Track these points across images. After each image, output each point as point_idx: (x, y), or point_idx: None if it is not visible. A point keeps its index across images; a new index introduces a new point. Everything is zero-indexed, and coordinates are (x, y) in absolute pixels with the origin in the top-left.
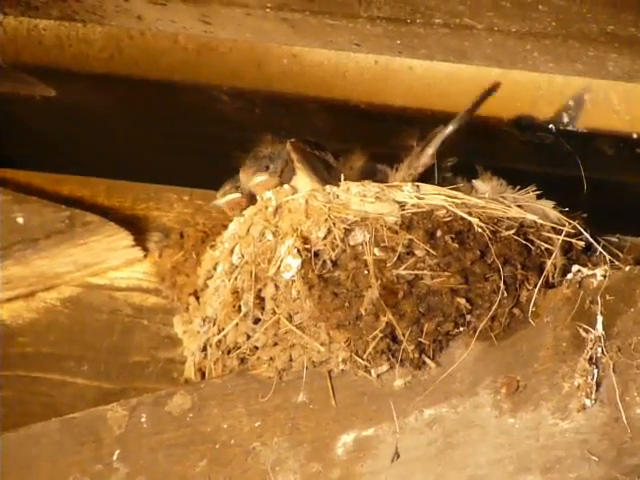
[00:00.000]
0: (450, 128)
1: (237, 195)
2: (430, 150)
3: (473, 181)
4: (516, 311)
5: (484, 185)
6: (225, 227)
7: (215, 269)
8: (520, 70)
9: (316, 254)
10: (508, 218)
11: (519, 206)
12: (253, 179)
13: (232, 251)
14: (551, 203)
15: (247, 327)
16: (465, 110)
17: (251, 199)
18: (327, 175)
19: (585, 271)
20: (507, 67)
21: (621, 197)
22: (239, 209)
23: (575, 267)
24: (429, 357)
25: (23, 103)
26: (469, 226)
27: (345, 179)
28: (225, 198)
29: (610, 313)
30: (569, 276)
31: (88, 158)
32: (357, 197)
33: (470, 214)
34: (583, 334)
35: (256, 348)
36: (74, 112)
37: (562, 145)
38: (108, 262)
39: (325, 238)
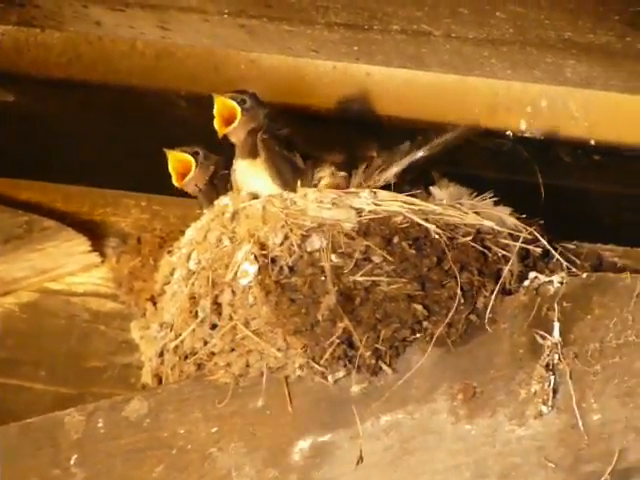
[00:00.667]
0: (419, 154)
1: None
2: (395, 170)
3: (430, 188)
4: (473, 317)
5: (441, 191)
6: (182, 233)
7: (172, 275)
8: (478, 77)
9: (273, 260)
10: (465, 225)
11: (476, 213)
12: None
13: (189, 257)
14: (508, 210)
15: (204, 333)
16: (440, 140)
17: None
18: (291, 177)
19: (542, 278)
20: (465, 73)
21: (579, 204)
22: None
23: (532, 274)
24: (386, 363)
25: None
26: (426, 232)
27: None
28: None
29: (567, 320)
30: (526, 283)
31: (46, 163)
32: (314, 203)
33: (427, 220)
34: (540, 341)
35: (213, 354)
36: (32, 117)
37: (520, 152)
38: (66, 267)
39: (282, 244)
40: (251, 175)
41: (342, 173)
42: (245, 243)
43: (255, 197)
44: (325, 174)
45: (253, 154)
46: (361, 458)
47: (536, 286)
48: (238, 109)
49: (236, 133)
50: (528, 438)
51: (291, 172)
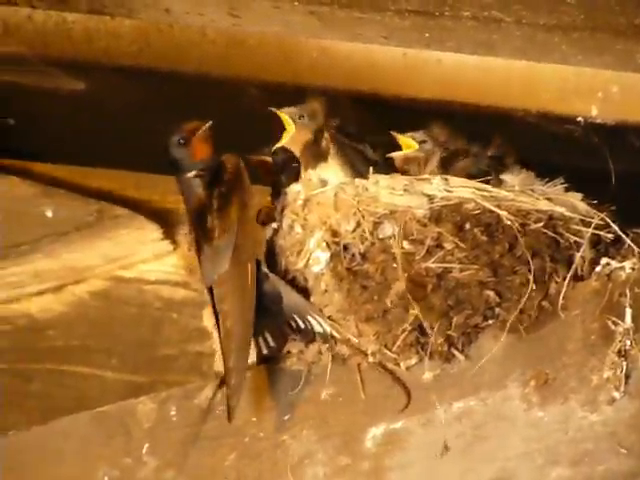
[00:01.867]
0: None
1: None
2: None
3: (502, 174)
4: (545, 304)
5: (513, 178)
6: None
7: None
8: (548, 63)
9: (345, 247)
10: (537, 211)
11: (548, 199)
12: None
13: None
14: (579, 195)
15: None
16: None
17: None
18: (364, 169)
19: (614, 264)
20: (535, 60)
21: None
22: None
23: (604, 260)
24: (458, 350)
25: (52, 97)
26: (498, 219)
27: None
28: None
29: (639, 306)
30: (598, 269)
31: (117, 151)
32: (386, 190)
33: (499, 207)
34: (612, 327)
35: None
36: (102, 105)
37: (591, 138)
38: (137, 255)
39: (354, 231)
40: (324, 174)
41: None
42: (317, 230)
43: (326, 184)
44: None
45: (322, 158)
46: (446, 447)
47: (608, 272)
48: (291, 123)
49: (292, 144)
50: (600, 424)
51: (362, 163)
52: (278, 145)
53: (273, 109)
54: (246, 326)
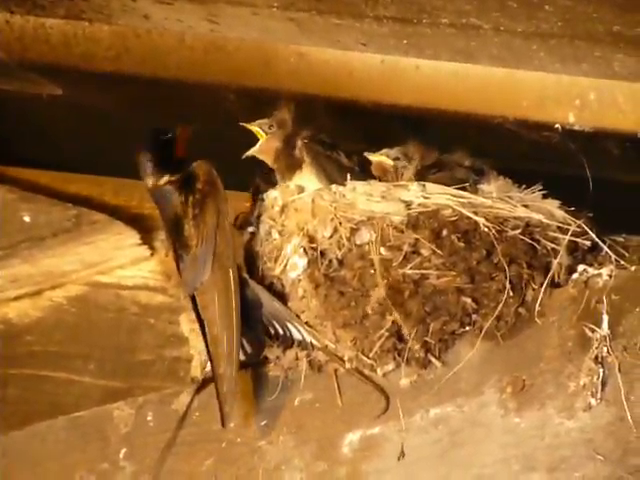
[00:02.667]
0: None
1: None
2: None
3: (479, 181)
4: (522, 310)
5: (490, 184)
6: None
7: None
8: (526, 70)
9: (322, 253)
10: (514, 217)
11: (525, 205)
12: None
13: None
14: (557, 202)
15: None
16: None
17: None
18: (339, 177)
19: (591, 271)
20: (513, 67)
21: (627, 197)
22: (273, 154)
23: (581, 267)
24: (435, 356)
25: (30, 102)
26: (475, 225)
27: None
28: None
29: (616, 313)
30: (575, 276)
31: (95, 157)
32: (363, 196)
33: (476, 213)
34: (589, 333)
35: None
36: (81, 111)
37: (568, 145)
38: (115, 261)
39: (331, 237)
40: (300, 183)
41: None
42: (294, 236)
43: (303, 191)
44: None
45: (297, 167)
46: (402, 453)
47: (585, 279)
48: (262, 134)
49: (262, 153)
50: (577, 431)
51: (337, 171)
52: (248, 154)
53: (243, 124)
54: (232, 332)
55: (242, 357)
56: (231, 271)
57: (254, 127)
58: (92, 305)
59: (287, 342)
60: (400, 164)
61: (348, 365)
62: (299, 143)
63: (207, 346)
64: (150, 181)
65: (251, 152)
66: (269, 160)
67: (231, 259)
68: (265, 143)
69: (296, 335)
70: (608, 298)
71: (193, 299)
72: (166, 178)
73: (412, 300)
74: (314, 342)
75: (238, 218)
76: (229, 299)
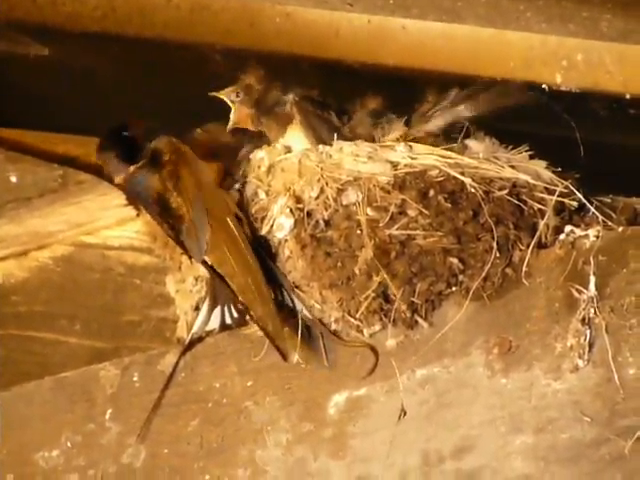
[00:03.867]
0: (466, 113)
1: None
2: (439, 122)
3: (466, 141)
4: (509, 271)
5: (477, 145)
6: None
7: None
8: (513, 30)
9: (309, 214)
10: (501, 178)
11: (512, 166)
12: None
13: None
14: (544, 163)
15: None
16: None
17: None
18: (329, 137)
19: (578, 231)
20: (500, 27)
21: (614, 158)
22: (249, 120)
23: (568, 227)
24: (421, 317)
25: (16, 62)
26: (462, 186)
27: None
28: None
29: (603, 274)
30: (562, 236)
31: (82, 117)
32: (350, 157)
33: (463, 174)
34: (576, 295)
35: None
36: (67, 71)
37: (555, 105)
38: (101, 221)
39: (318, 198)
40: (289, 142)
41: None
42: (281, 196)
43: (290, 151)
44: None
45: (285, 124)
46: (403, 412)
47: (572, 240)
48: (231, 104)
49: (239, 122)
50: (564, 392)
51: (327, 130)
52: (229, 127)
53: (213, 93)
54: (255, 273)
55: (228, 320)
56: (229, 219)
57: (223, 96)
58: (78, 265)
59: (278, 306)
60: (239, 98)
61: (334, 325)
62: (290, 100)
63: (235, 297)
64: (118, 177)
65: (229, 126)
66: (249, 126)
67: (224, 209)
68: (237, 113)
69: (287, 300)
70: (595, 259)
71: (205, 264)
72: (132, 168)
73: (399, 261)
74: (305, 311)
75: (225, 178)
76: (238, 246)
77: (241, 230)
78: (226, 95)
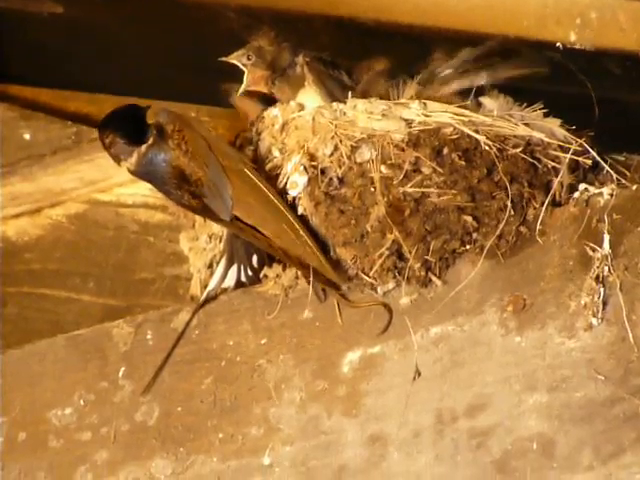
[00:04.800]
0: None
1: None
2: (455, 86)
3: (480, 98)
4: (523, 229)
5: (491, 103)
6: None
7: None
8: None
9: (323, 171)
10: (515, 136)
11: (526, 124)
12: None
13: None
14: (558, 121)
15: None
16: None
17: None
18: (342, 96)
19: (592, 190)
20: None
21: (628, 116)
22: (263, 82)
23: (582, 185)
24: (435, 275)
25: (30, 20)
26: (476, 144)
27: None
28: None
29: (617, 232)
30: (576, 195)
31: (95, 75)
32: (364, 114)
33: (477, 132)
34: (590, 253)
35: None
36: (81, 29)
37: (569, 64)
38: (114, 178)
39: (332, 155)
40: (302, 101)
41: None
42: (295, 154)
43: (304, 108)
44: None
45: (298, 84)
46: (418, 372)
47: (586, 198)
48: (242, 67)
49: (253, 85)
50: (578, 350)
51: (340, 90)
52: (240, 92)
53: (222, 59)
54: (286, 215)
55: (243, 278)
56: (247, 170)
57: (233, 61)
58: (91, 223)
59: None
60: (250, 61)
61: (348, 284)
62: (301, 61)
63: (271, 247)
64: (129, 160)
65: (241, 90)
66: (263, 89)
67: (240, 162)
68: (250, 76)
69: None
70: (609, 217)
71: (235, 219)
72: (143, 148)
73: (412, 218)
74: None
75: (238, 137)
76: (263, 193)
77: (262, 178)
78: (237, 59)
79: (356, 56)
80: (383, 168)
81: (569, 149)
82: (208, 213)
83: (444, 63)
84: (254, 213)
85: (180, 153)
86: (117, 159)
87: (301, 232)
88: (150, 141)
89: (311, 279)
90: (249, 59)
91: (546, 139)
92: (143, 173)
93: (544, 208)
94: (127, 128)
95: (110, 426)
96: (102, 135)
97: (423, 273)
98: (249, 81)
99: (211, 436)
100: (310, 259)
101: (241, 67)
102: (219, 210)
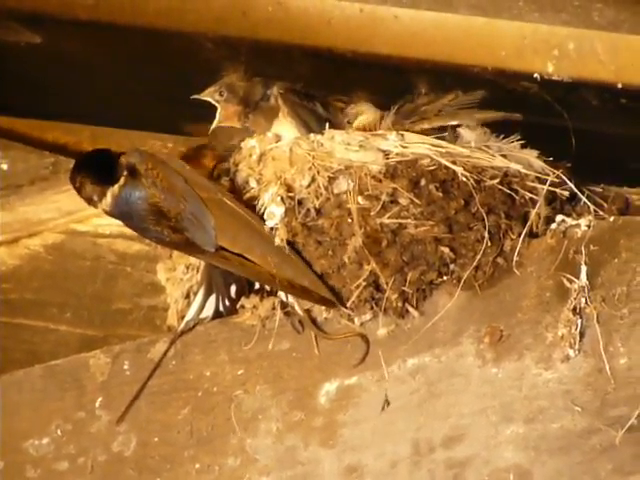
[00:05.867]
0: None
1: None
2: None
3: (458, 129)
4: (500, 261)
5: (469, 134)
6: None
7: None
8: (505, 19)
9: (300, 202)
10: (492, 167)
11: (503, 155)
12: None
13: None
14: (535, 152)
15: None
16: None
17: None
18: (316, 127)
19: (569, 221)
20: (492, 16)
21: (606, 147)
22: (236, 118)
23: (559, 217)
24: (412, 306)
25: (8, 50)
26: (453, 175)
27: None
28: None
29: (594, 263)
30: (553, 226)
31: (73, 105)
32: (341, 145)
33: (454, 163)
34: (567, 284)
35: None
36: (59, 59)
37: (546, 95)
38: (92, 209)
39: (309, 186)
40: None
41: (377, 111)
42: (272, 185)
43: (280, 139)
44: (362, 110)
45: (272, 116)
46: (387, 402)
47: (563, 229)
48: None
49: (226, 121)
50: (555, 382)
51: (315, 121)
52: (212, 127)
53: (195, 96)
54: (266, 239)
55: (221, 308)
56: (225, 199)
57: (206, 97)
58: (69, 253)
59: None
60: (224, 98)
61: (325, 314)
62: (275, 92)
63: (259, 273)
64: (103, 201)
65: (214, 125)
66: (236, 124)
67: (217, 191)
68: (223, 112)
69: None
70: (586, 249)
71: (220, 249)
72: (116, 187)
73: (390, 249)
74: (295, 306)
75: (215, 168)
76: (244, 219)
77: (241, 205)
78: (209, 95)
79: (334, 87)
80: (360, 199)
81: (546, 180)
82: (191, 247)
83: (427, 101)
84: (239, 241)
85: (156, 191)
86: (90, 201)
87: (288, 253)
88: (122, 181)
89: (290, 309)
90: (221, 95)
91: (523, 170)
92: (119, 213)
93: (521, 239)
94: (98, 171)
95: (87, 456)
96: (72, 181)
97: (400, 304)
98: (222, 117)
99: (188, 466)
100: (301, 279)
101: (214, 103)
102: (203, 242)
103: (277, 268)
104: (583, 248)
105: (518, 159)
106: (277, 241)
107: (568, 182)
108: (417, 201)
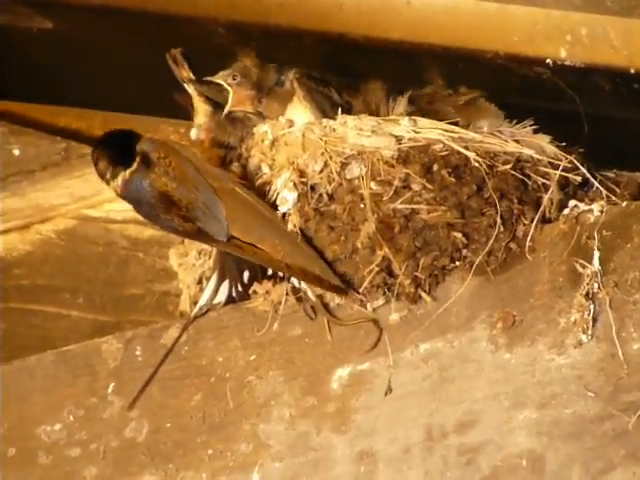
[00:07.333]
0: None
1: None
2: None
3: None
4: (513, 246)
5: (481, 119)
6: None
7: None
8: (518, 4)
9: (312, 188)
10: (505, 152)
11: (516, 140)
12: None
13: None
14: (548, 138)
15: None
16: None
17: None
18: (331, 112)
19: (582, 206)
20: (505, 1)
21: (618, 132)
22: (248, 102)
23: (572, 202)
24: (425, 291)
25: (20, 35)
26: (466, 160)
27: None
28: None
29: (607, 248)
30: (566, 211)
31: (85, 90)
32: (354, 130)
33: (467, 148)
34: (580, 269)
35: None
36: (71, 44)
37: (559, 80)
38: (104, 194)
39: (321, 172)
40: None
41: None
42: (284, 170)
43: (293, 125)
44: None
45: (286, 101)
46: (389, 389)
47: (576, 214)
48: (228, 87)
49: (238, 105)
50: (567, 367)
51: (330, 107)
52: (225, 112)
53: (208, 78)
54: (283, 227)
55: (234, 294)
56: (237, 188)
57: (219, 80)
58: (81, 239)
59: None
60: (236, 81)
61: (338, 301)
62: (291, 77)
63: (272, 261)
64: (115, 182)
65: (227, 109)
66: (248, 108)
67: (228, 180)
68: (235, 96)
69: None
70: (599, 234)
71: (231, 238)
72: (127, 173)
73: (402, 235)
74: (308, 292)
75: (228, 154)
76: (256, 209)
77: (253, 194)
78: (222, 79)
79: (346, 72)
80: (373, 184)
81: (559, 166)
82: (203, 236)
83: (437, 89)
84: (251, 230)
85: (167, 179)
86: (103, 177)
87: (299, 242)
88: (134, 167)
89: (303, 295)
90: (234, 79)
91: (536, 156)
92: (130, 198)
93: (534, 225)
94: (118, 150)
95: (99, 442)
96: (92, 153)
97: (413, 290)
98: (234, 101)
99: (200, 452)
100: (312, 267)
101: (226, 87)
102: (215, 232)
103: (289, 257)
104: (596, 233)
105: (531, 144)
106: (290, 226)
107: (581, 167)
108: (429, 186)
